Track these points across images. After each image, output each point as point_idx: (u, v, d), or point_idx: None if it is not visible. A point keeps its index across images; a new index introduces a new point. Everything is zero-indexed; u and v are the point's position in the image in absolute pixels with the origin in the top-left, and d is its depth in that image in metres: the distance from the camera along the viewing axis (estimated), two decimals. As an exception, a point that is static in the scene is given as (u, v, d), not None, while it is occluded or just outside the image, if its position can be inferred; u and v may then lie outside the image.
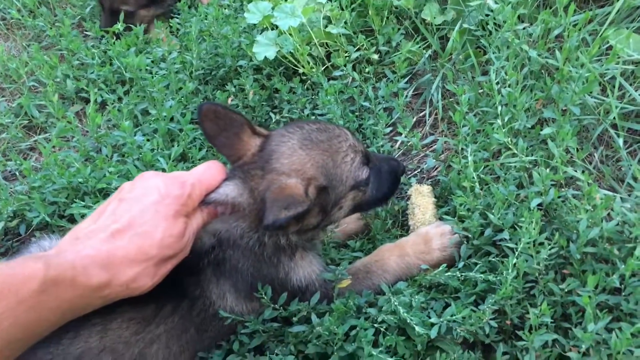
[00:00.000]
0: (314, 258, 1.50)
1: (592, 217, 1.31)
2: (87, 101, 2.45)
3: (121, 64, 2.41)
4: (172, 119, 2.17)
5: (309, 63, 2.22)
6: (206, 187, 1.33)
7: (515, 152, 1.53)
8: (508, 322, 1.35)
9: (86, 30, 2.90)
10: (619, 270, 1.25)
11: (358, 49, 2.24)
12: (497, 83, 1.62)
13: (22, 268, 1.03)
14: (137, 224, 1.19)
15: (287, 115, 2.17)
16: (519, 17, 1.78)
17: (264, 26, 2.24)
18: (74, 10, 3.01)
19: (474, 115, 1.85)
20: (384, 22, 2.27)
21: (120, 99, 2.37)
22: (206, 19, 2.47)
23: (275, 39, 2.18)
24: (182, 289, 1.41)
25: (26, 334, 1.03)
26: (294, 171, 1.35)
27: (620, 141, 1.55)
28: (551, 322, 1.27)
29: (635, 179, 1.51)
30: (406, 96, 1.98)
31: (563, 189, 1.48)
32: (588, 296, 1.14)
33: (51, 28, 2.74)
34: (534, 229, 1.30)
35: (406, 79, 2.16)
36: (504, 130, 1.54)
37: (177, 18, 2.71)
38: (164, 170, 1.94)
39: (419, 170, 1.97)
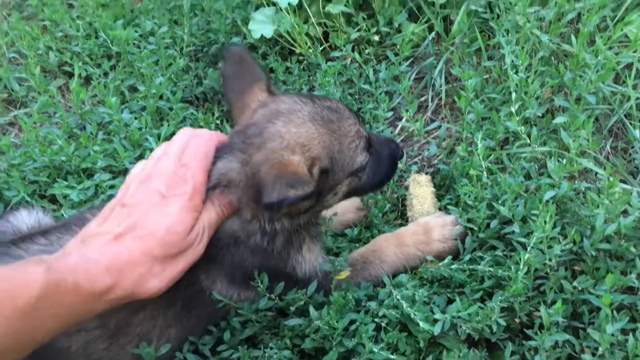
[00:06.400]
0: (320, 250, 1.41)
1: (609, 212, 1.24)
2: (71, 75, 2.33)
3: (107, 37, 2.28)
4: (161, 97, 2.06)
5: (306, 43, 2.12)
6: (205, 167, 1.24)
7: (528, 141, 1.45)
8: (517, 320, 1.28)
9: (70, 0, 2.76)
10: (636, 269, 1.19)
11: (358, 30, 2.14)
12: (510, 68, 1.54)
13: (23, 273, 0.96)
14: (139, 226, 1.14)
15: (282, 96, 2.07)
16: (530, -1, 1.69)
17: (259, 2, 2.14)
18: (58, -22, 2.86)
19: (480, 101, 1.76)
20: (385, 3, 2.17)
21: (106, 73, 2.26)
22: (198, -7, 2.35)
23: (273, 17, 2.07)
24: None
25: (21, 342, 0.96)
26: (300, 146, 1.23)
27: (637, 132, 1.48)
28: (562, 321, 1.21)
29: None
30: (408, 80, 1.89)
31: (576, 182, 1.41)
32: (608, 296, 1.08)
33: (33, -3, 2.60)
34: (547, 222, 1.24)
35: (408, 62, 2.08)
36: (517, 118, 1.46)
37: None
38: (152, 150, 1.84)
39: (419, 157, 1.89)
